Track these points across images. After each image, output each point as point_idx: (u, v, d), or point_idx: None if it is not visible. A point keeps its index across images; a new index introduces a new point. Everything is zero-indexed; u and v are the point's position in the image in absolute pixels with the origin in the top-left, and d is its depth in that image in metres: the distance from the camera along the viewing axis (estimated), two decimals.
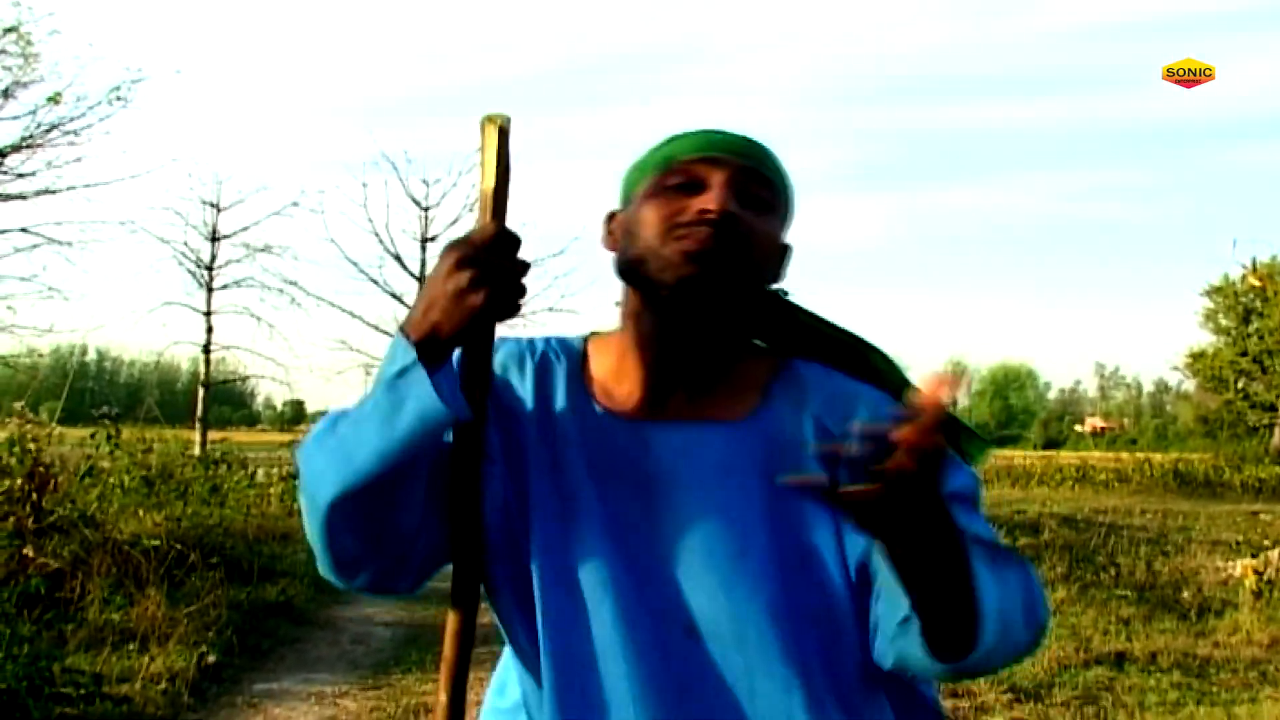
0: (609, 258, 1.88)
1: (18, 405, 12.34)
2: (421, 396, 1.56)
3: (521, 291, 1.59)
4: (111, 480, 12.26)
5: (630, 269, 1.80)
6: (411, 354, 1.57)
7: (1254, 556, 13.08)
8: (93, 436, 12.73)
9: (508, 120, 1.68)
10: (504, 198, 1.66)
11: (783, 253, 1.89)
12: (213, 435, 31.64)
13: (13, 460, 9.73)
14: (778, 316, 1.95)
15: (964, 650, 1.57)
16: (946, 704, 7.82)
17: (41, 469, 9.79)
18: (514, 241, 1.60)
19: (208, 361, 36.50)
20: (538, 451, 1.78)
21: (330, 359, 49.13)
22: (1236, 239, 29.02)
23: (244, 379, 41.66)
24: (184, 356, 51.35)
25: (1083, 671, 8.84)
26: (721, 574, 1.72)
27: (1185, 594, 12.54)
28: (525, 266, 1.59)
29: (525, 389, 1.84)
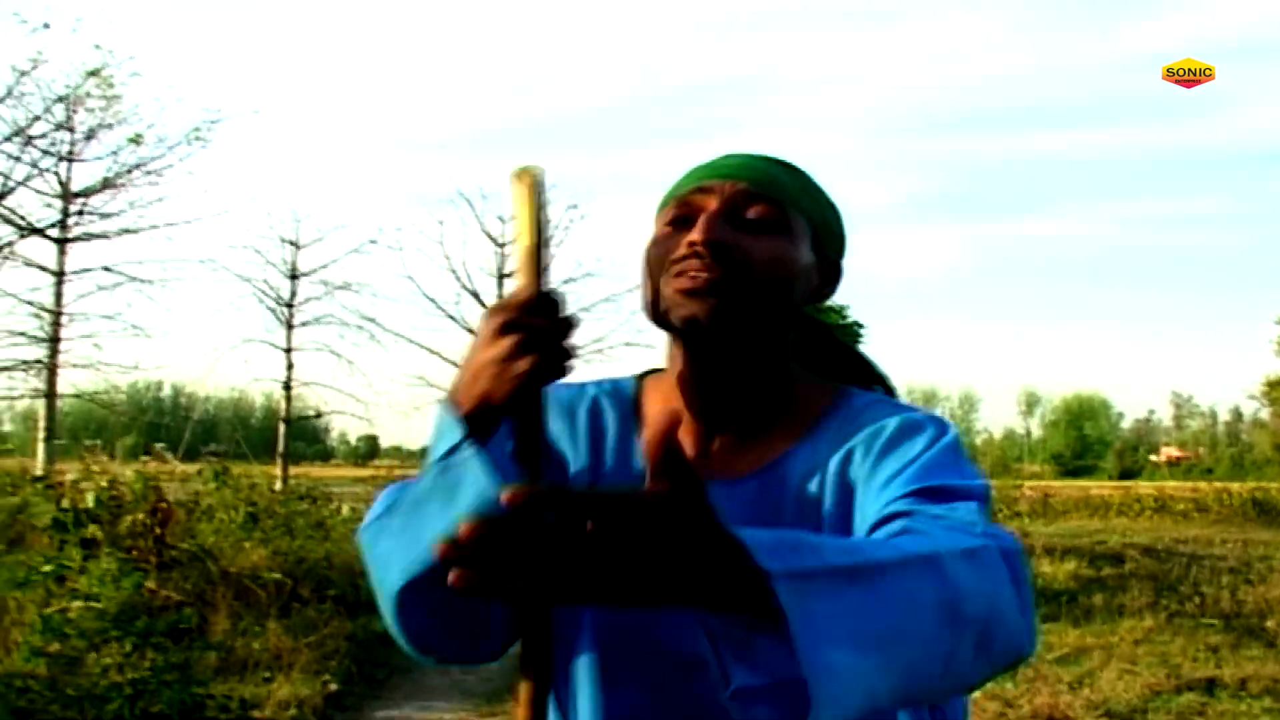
0: None
1: (95, 442, 12.85)
2: (478, 477, 1.48)
3: (569, 352, 1.51)
4: (220, 515, 12.64)
5: (647, 312, 1.76)
6: (459, 431, 1.51)
7: None
8: (199, 473, 13.15)
9: (541, 172, 1.61)
10: (543, 254, 1.59)
11: (819, 269, 1.80)
12: (292, 470, 32.05)
13: (138, 497, 10.11)
14: (817, 339, 1.92)
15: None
16: None
17: (163, 505, 10.17)
18: (555, 302, 1.51)
19: (288, 398, 36.89)
20: None
21: (408, 395, 49.60)
22: None
23: (322, 415, 42.09)
24: (259, 392, 51.88)
25: (1174, 697, 9.00)
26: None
27: (1270, 622, 12.66)
28: (570, 325, 1.51)
29: (579, 439, 1.81)
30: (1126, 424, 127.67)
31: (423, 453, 1.71)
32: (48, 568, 7.56)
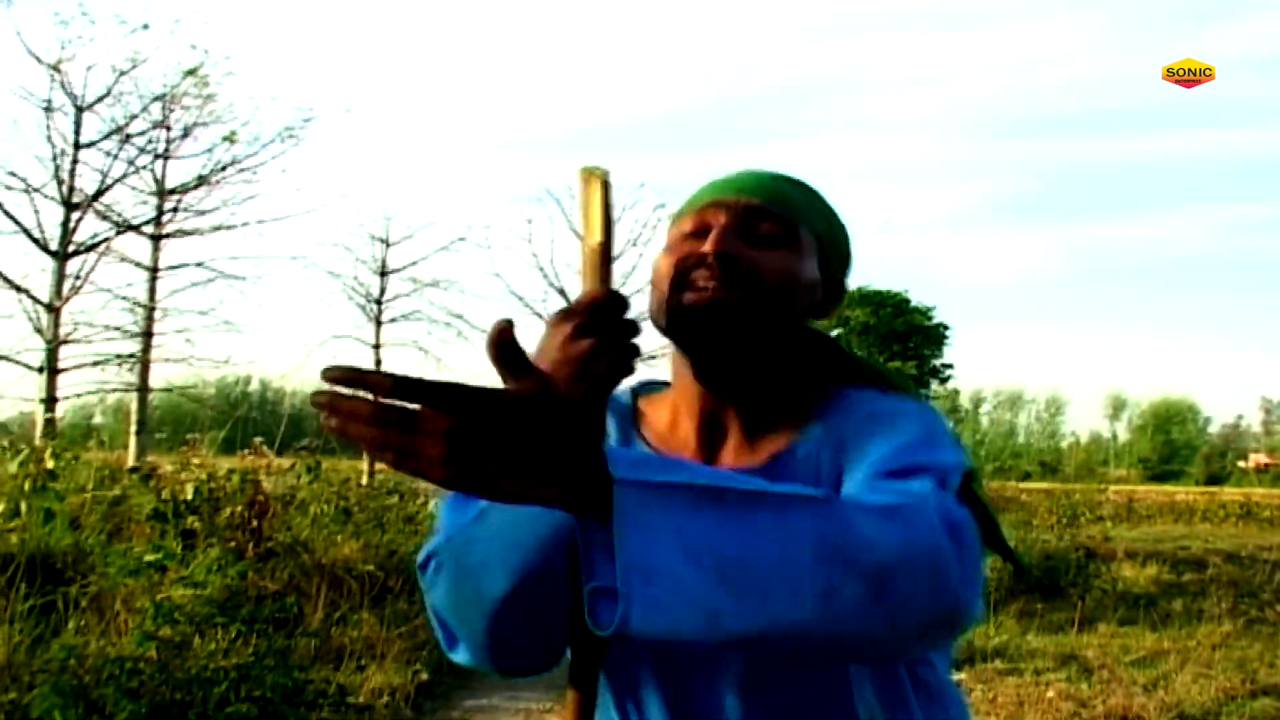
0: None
1: (192, 435, 13.19)
2: None
3: (636, 353, 1.48)
4: (313, 509, 12.95)
5: (654, 320, 1.80)
6: None
7: None
8: (293, 467, 13.47)
9: (608, 173, 1.60)
10: (609, 254, 1.59)
11: (823, 285, 1.86)
12: (377, 466, 32.35)
13: (235, 489, 10.43)
14: (822, 352, 1.94)
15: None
16: None
17: (261, 498, 10.51)
18: (624, 304, 1.50)
19: None
20: None
21: None
22: None
23: None
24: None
25: (1249, 702, 9.07)
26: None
27: None
28: (636, 328, 1.49)
29: None
30: (1214, 429, 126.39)
31: None
32: (152, 556, 7.86)
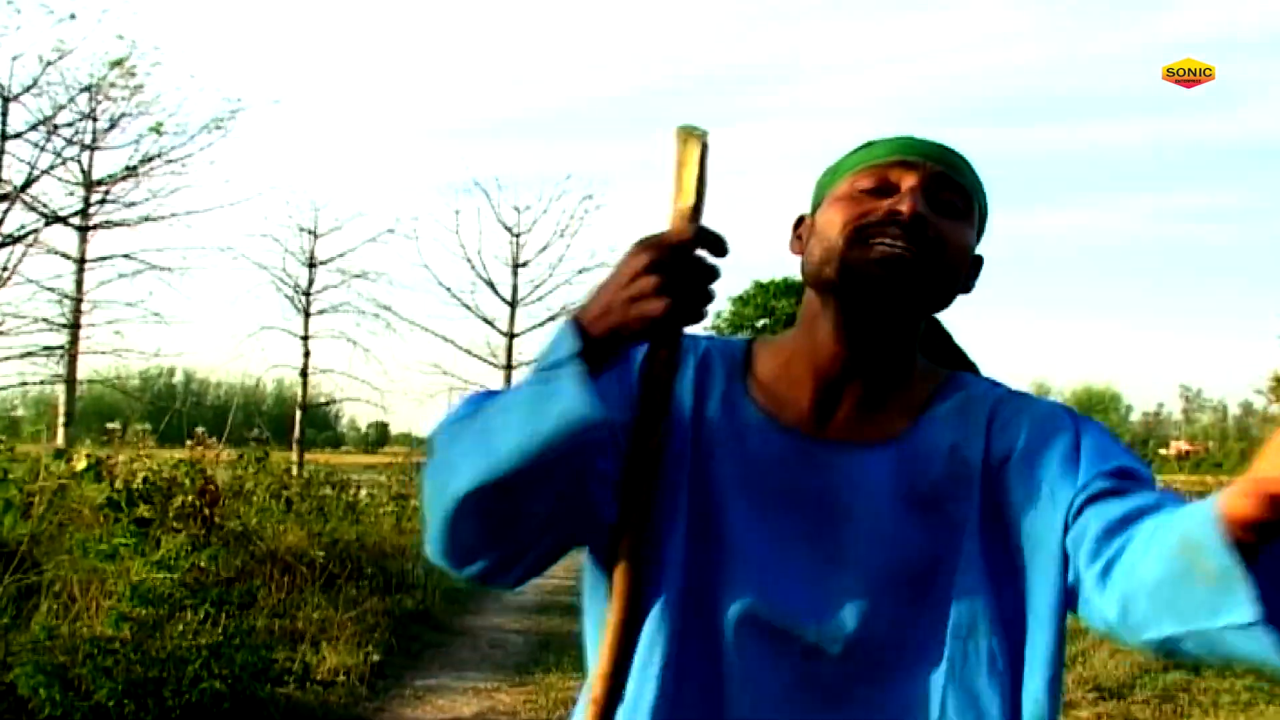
0: (796, 262, 1.85)
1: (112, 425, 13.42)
2: (567, 396, 1.46)
3: (708, 298, 1.49)
4: (257, 498, 13.23)
5: (816, 271, 1.75)
6: (573, 347, 1.48)
7: None
8: (241, 458, 13.74)
9: (707, 134, 1.58)
10: (699, 218, 1.53)
11: (975, 263, 1.83)
12: (305, 457, 32.40)
13: (186, 478, 10.70)
14: (940, 335, 1.93)
15: None
16: None
17: (212, 487, 10.78)
18: (714, 242, 1.49)
19: (305, 385, 37.27)
20: (682, 456, 1.72)
21: (423, 383, 49.91)
22: None
23: (336, 402, 42.28)
24: (271, 379, 51.96)
25: (1162, 675, 9.54)
26: (824, 588, 1.67)
27: None
28: (715, 273, 1.49)
29: (683, 386, 1.76)
30: (1136, 417, 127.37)
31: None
32: (125, 541, 8.13)
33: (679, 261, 1.46)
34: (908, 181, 1.73)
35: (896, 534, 1.67)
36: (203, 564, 8.51)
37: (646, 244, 1.47)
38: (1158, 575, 1.40)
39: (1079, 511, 1.59)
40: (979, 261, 1.85)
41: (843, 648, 1.64)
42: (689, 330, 1.53)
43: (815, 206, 1.83)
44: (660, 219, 1.55)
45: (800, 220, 1.87)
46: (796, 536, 1.69)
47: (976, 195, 1.81)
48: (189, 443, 12.43)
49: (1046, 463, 1.67)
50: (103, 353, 25.77)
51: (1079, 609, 1.60)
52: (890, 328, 1.73)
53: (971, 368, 1.93)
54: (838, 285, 1.70)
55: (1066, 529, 1.60)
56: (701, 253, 1.48)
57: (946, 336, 1.94)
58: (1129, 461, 1.65)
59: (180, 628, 7.11)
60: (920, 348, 1.83)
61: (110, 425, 14.99)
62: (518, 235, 36.20)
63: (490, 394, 1.62)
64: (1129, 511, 1.53)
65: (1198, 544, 1.33)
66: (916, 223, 1.68)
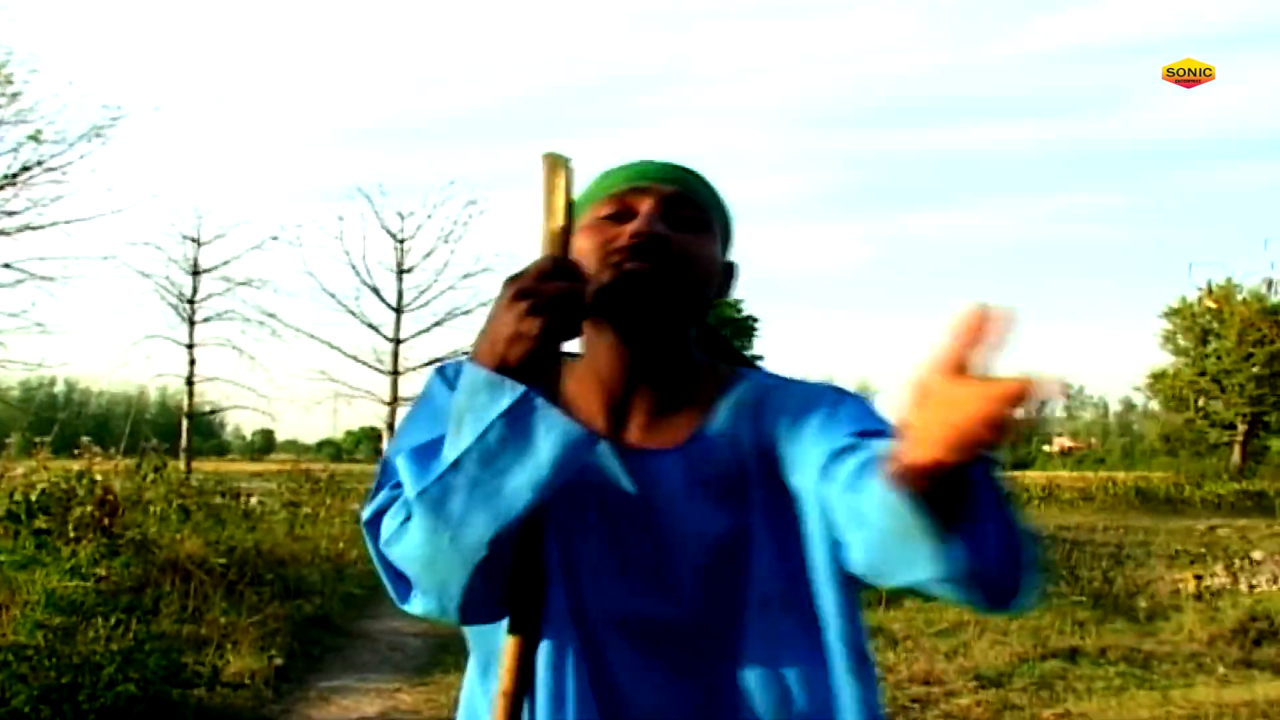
0: None
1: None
2: (555, 424, 1.60)
3: (582, 313, 1.64)
4: (155, 507, 13.35)
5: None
6: (519, 389, 1.60)
7: (1192, 564, 14.44)
8: (139, 468, 13.86)
9: (570, 160, 1.73)
10: (568, 237, 1.72)
11: (725, 271, 1.94)
12: (196, 465, 32.22)
13: (82, 490, 10.81)
14: (716, 339, 2.02)
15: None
16: (917, 689, 9.05)
17: (110, 497, 10.90)
18: (569, 268, 1.65)
19: (191, 393, 37.10)
20: None
21: (309, 389, 49.81)
22: (1192, 263, 30.20)
23: (223, 410, 42.13)
24: (154, 387, 51.43)
25: (1039, 664, 9.92)
26: (654, 580, 1.79)
27: (1139, 601, 13.67)
28: (581, 289, 1.63)
29: None
30: (1019, 415, 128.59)
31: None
32: (31, 553, 8.30)
33: (543, 287, 1.59)
34: (644, 205, 1.83)
35: (701, 523, 1.79)
36: (105, 573, 8.64)
37: (513, 278, 1.61)
38: (882, 527, 1.51)
39: (828, 469, 1.68)
40: (731, 268, 1.96)
41: (678, 630, 1.78)
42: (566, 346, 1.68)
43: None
44: (534, 238, 1.72)
45: None
46: (617, 537, 1.79)
47: (715, 210, 1.91)
48: (78, 453, 12.55)
49: (806, 433, 1.78)
50: None
51: (840, 556, 1.70)
52: (653, 339, 1.83)
53: (751, 365, 2.03)
54: (600, 307, 1.77)
55: (822, 490, 1.70)
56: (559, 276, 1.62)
57: (723, 340, 2.03)
58: (879, 425, 1.72)
59: (92, 634, 7.30)
60: (707, 353, 1.96)
61: (7, 440, 15.03)
62: (402, 241, 36.46)
63: (428, 452, 1.68)
64: (868, 459, 1.59)
65: (894, 507, 1.44)
66: (653, 242, 1.78)
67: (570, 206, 1.72)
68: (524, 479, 1.60)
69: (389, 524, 1.68)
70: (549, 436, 1.59)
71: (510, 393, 1.59)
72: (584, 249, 1.80)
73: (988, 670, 9.54)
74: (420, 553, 1.65)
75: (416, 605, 1.71)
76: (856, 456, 1.63)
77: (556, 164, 1.71)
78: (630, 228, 1.80)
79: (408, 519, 1.65)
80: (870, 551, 1.60)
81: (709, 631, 1.77)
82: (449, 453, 1.63)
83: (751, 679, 1.75)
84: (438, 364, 1.95)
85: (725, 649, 1.77)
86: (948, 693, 9.01)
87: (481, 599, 1.68)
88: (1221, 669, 10.14)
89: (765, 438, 1.83)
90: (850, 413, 1.80)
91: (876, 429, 1.69)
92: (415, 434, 1.76)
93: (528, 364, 1.60)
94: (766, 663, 1.76)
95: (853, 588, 1.75)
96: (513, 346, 1.59)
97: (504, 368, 1.60)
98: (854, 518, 1.60)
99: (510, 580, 1.69)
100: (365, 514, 1.74)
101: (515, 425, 1.59)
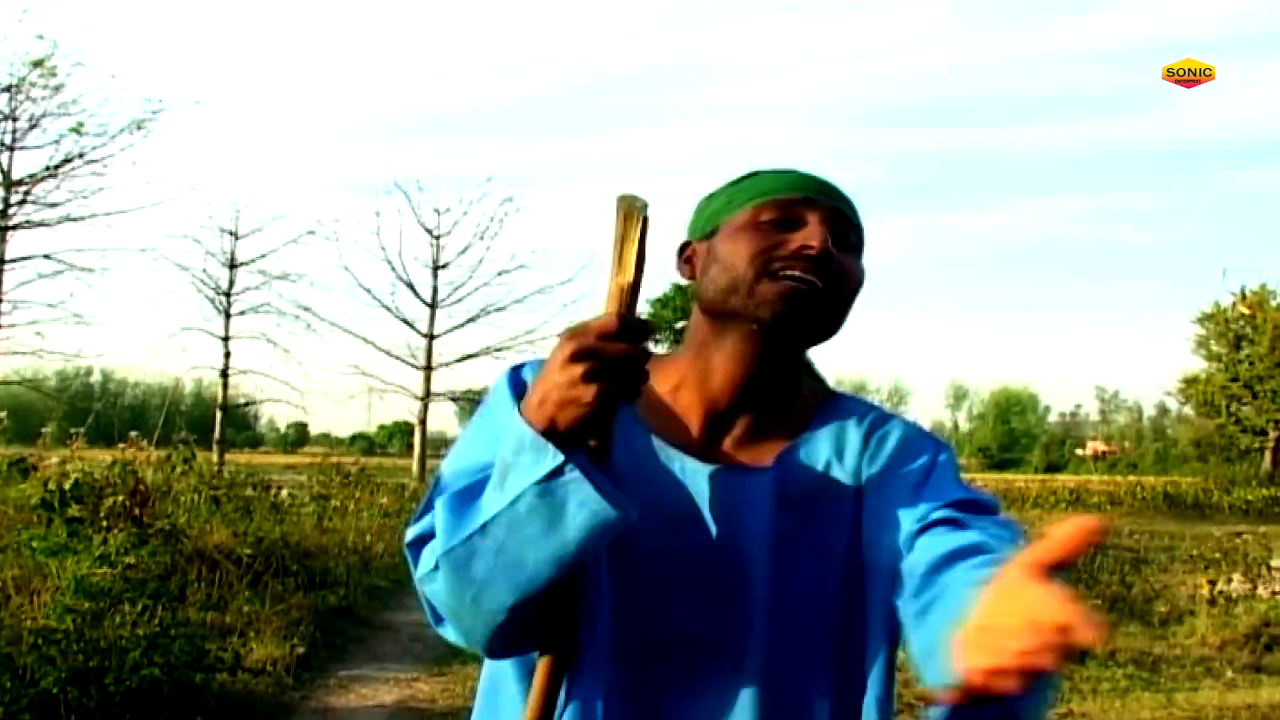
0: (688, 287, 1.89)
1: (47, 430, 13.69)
2: (587, 501, 1.52)
3: (641, 379, 1.51)
4: (184, 499, 13.59)
5: (719, 299, 1.79)
6: (558, 458, 1.52)
7: (1207, 569, 14.56)
8: (169, 459, 14.10)
9: (646, 205, 1.60)
10: (637, 293, 1.58)
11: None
12: (229, 457, 32.40)
13: (117, 479, 11.05)
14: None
15: None
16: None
17: (142, 488, 11.15)
18: (637, 329, 1.51)
19: (225, 386, 37.30)
20: None
21: (343, 383, 50.04)
22: (1226, 268, 30.14)
23: (257, 403, 42.22)
24: (190, 379, 51.68)
25: None
26: (727, 602, 1.74)
27: (1156, 605, 13.81)
28: (646, 354, 1.51)
29: None
30: (1053, 418, 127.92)
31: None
32: (63, 540, 8.53)
33: (605, 348, 1.48)
34: (813, 217, 1.77)
35: (781, 547, 1.74)
36: (134, 561, 8.87)
37: (573, 333, 1.51)
38: (942, 645, 1.39)
39: (913, 539, 1.65)
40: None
41: (736, 652, 1.73)
42: None
43: (706, 233, 1.86)
44: (598, 290, 1.61)
45: (686, 246, 1.91)
46: (696, 555, 1.74)
47: (863, 233, 1.86)
48: (121, 445, 12.78)
49: (900, 485, 1.74)
50: (23, 353, 25.87)
51: (901, 635, 1.66)
52: (788, 358, 1.81)
53: (829, 386, 1.98)
54: (745, 316, 1.74)
55: (902, 555, 1.66)
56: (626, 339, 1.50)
57: (809, 361, 1.96)
58: (971, 493, 1.71)
59: (119, 619, 7.54)
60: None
61: (44, 429, 15.26)
62: (438, 237, 36.65)
63: (466, 498, 1.64)
64: (955, 549, 1.56)
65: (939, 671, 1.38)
66: (825, 259, 1.73)
67: (642, 260, 1.59)
68: (547, 553, 1.55)
69: (425, 561, 1.66)
70: (580, 513, 1.52)
71: (551, 460, 1.52)
72: (738, 250, 1.77)
73: None
74: (446, 602, 1.65)
75: (448, 634, 1.71)
76: (951, 537, 1.60)
77: (632, 212, 1.59)
78: (799, 237, 1.75)
79: (437, 569, 1.63)
80: (929, 660, 1.50)
81: (773, 655, 1.73)
82: (484, 508, 1.59)
83: (788, 706, 1.73)
84: (512, 365, 1.88)
85: (779, 675, 1.73)
86: None
87: (509, 643, 1.67)
88: (1230, 673, 10.31)
89: (857, 474, 1.80)
90: (949, 477, 1.77)
91: (971, 499, 1.70)
92: (470, 452, 1.74)
93: (578, 431, 1.52)
94: (805, 695, 1.74)
95: (898, 640, 1.71)
96: (563, 410, 1.50)
97: (551, 430, 1.52)
98: (932, 615, 1.53)
99: (542, 621, 1.65)
100: (409, 535, 1.71)
101: (547, 496, 1.53)
